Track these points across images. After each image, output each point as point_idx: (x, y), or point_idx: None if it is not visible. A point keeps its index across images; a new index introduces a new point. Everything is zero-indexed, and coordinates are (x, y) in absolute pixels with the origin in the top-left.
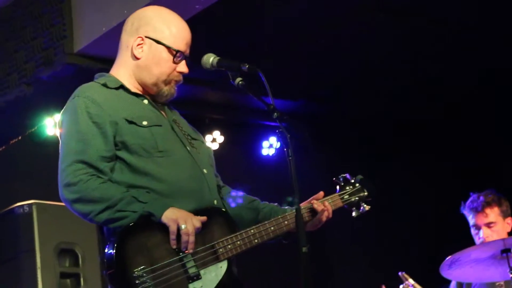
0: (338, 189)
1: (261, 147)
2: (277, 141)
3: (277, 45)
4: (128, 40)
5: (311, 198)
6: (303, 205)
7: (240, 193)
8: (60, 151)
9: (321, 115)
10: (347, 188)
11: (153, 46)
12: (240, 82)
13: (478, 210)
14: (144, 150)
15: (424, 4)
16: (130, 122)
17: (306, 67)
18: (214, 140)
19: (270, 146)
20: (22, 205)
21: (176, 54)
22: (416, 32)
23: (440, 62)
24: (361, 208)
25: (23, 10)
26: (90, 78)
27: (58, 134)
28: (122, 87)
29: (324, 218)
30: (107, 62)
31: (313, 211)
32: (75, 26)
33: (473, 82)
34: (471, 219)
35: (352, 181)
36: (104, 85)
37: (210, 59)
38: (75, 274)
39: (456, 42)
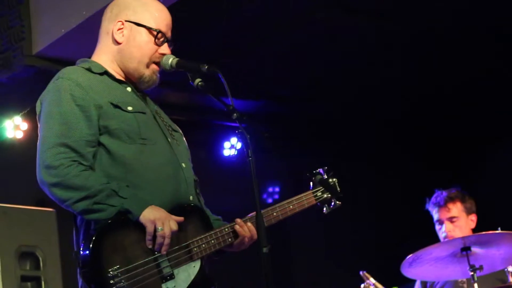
0: (311, 186)
1: (222, 147)
2: (238, 142)
3: (238, 45)
4: (108, 26)
5: (246, 217)
6: (224, 226)
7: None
8: (40, 132)
9: (282, 115)
10: (320, 185)
11: (133, 29)
12: (199, 83)
13: (440, 204)
14: (127, 136)
15: (384, 3)
16: (115, 106)
17: (267, 67)
18: None
19: (231, 147)
20: None
21: (157, 35)
22: (379, 31)
23: (401, 61)
24: (332, 204)
25: None
26: (49, 80)
27: (37, 115)
28: (106, 73)
29: (247, 242)
30: (66, 63)
31: (235, 233)
32: (33, 28)
33: (439, 81)
34: (434, 214)
35: (325, 177)
36: (89, 69)
37: (169, 60)
38: (36, 278)
39: (418, 42)
